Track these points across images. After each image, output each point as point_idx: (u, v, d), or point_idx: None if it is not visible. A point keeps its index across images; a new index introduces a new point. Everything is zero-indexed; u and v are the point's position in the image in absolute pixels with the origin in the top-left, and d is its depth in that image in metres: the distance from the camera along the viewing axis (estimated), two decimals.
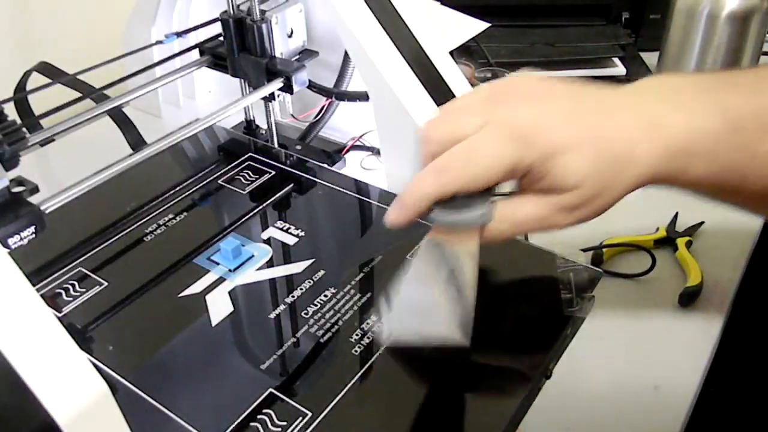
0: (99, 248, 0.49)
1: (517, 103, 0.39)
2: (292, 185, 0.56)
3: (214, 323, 0.43)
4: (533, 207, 0.39)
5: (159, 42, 0.63)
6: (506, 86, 0.41)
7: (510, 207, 0.40)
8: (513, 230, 0.40)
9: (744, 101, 0.38)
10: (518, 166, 0.37)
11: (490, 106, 0.39)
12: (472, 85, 0.58)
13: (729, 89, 0.39)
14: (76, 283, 0.46)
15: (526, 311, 0.45)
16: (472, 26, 0.72)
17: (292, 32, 0.63)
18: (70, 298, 0.45)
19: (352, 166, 0.69)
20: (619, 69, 0.92)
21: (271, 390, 0.39)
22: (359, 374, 0.40)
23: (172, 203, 0.54)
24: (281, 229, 0.51)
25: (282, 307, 0.45)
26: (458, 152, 0.38)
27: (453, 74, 0.56)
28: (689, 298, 0.57)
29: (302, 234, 0.50)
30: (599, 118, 0.39)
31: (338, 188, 0.56)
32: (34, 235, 0.44)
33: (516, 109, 0.39)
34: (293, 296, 0.45)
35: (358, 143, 0.71)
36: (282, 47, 0.62)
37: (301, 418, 0.37)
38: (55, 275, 0.47)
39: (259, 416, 0.37)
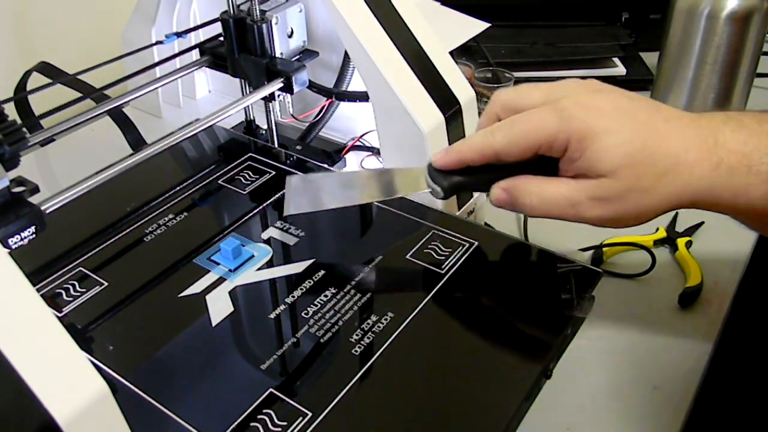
0: (99, 248, 0.49)
1: (579, 89, 0.41)
2: None
3: (214, 323, 0.43)
4: (565, 187, 0.40)
5: (159, 42, 0.63)
6: (581, 80, 0.42)
7: (542, 183, 0.41)
8: (542, 206, 0.41)
9: None
10: (556, 138, 0.39)
11: (555, 88, 0.41)
12: (472, 85, 0.58)
13: None
14: (76, 283, 0.46)
15: (526, 311, 0.45)
16: (472, 26, 0.72)
17: (292, 32, 0.63)
18: (70, 298, 0.45)
19: (352, 166, 0.69)
20: (619, 69, 0.92)
21: (271, 390, 0.39)
22: (359, 374, 0.40)
23: (172, 203, 0.54)
24: (281, 229, 0.51)
25: (282, 307, 0.45)
26: (508, 120, 0.41)
27: (453, 74, 0.56)
28: (689, 298, 0.57)
29: (302, 234, 0.50)
30: (654, 116, 0.39)
31: None
32: (34, 235, 0.44)
33: (575, 93, 0.40)
34: (293, 296, 0.45)
35: (358, 143, 0.71)
36: (282, 47, 0.62)
37: (301, 418, 0.37)
38: (55, 275, 0.47)
39: (259, 416, 0.37)
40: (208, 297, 0.45)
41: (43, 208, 0.45)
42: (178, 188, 0.55)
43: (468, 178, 0.42)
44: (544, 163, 0.40)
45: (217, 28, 0.63)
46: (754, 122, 0.39)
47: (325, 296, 0.45)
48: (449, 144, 0.55)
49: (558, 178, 0.40)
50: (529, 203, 0.41)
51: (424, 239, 0.49)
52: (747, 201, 0.38)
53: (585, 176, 0.39)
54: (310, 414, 0.38)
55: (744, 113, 0.40)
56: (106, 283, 0.47)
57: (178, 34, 0.63)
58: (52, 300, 0.45)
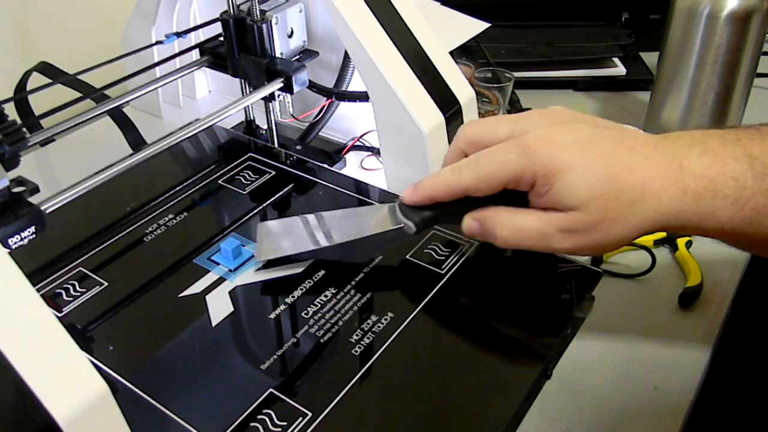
0: (99, 248, 0.49)
1: (543, 122, 0.41)
2: (292, 185, 0.56)
3: (214, 323, 0.43)
4: (535, 220, 0.40)
5: (159, 42, 0.63)
6: (546, 110, 0.43)
7: (513, 215, 0.41)
8: (513, 237, 0.41)
9: None
10: (522, 174, 0.39)
11: (519, 121, 0.41)
12: (472, 85, 0.58)
13: (755, 138, 0.39)
14: (76, 283, 0.46)
15: (526, 311, 0.45)
16: (472, 26, 0.72)
17: (292, 32, 0.63)
18: (70, 298, 0.45)
19: (352, 166, 0.69)
20: (619, 69, 0.92)
21: (271, 390, 0.39)
22: (359, 374, 0.40)
23: (172, 203, 0.54)
24: None
25: (282, 307, 0.45)
26: (474, 157, 0.41)
27: (453, 74, 0.56)
28: (689, 298, 0.57)
29: None
30: (618, 147, 0.39)
31: (338, 188, 0.56)
32: (34, 235, 0.44)
33: (539, 126, 0.40)
34: (293, 296, 0.45)
35: (358, 143, 0.71)
36: (282, 47, 0.62)
37: (301, 418, 0.37)
38: (55, 275, 0.47)
39: (259, 416, 0.37)
40: (208, 297, 0.45)
41: (43, 208, 0.45)
42: (178, 188, 0.55)
43: (439, 213, 0.43)
44: (514, 193, 0.41)
45: (217, 28, 0.63)
46: (718, 144, 0.39)
47: (325, 296, 0.45)
48: (449, 144, 0.55)
49: (528, 209, 0.41)
50: (500, 234, 0.41)
51: (424, 239, 0.49)
52: (715, 224, 0.39)
53: (554, 209, 0.40)
54: (310, 414, 0.38)
55: (709, 134, 0.40)
56: (106, 283, 0.46)
57: (178, 34, 0.63)
58: (52, 300, 0.45)
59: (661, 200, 0.38)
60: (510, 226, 0.41)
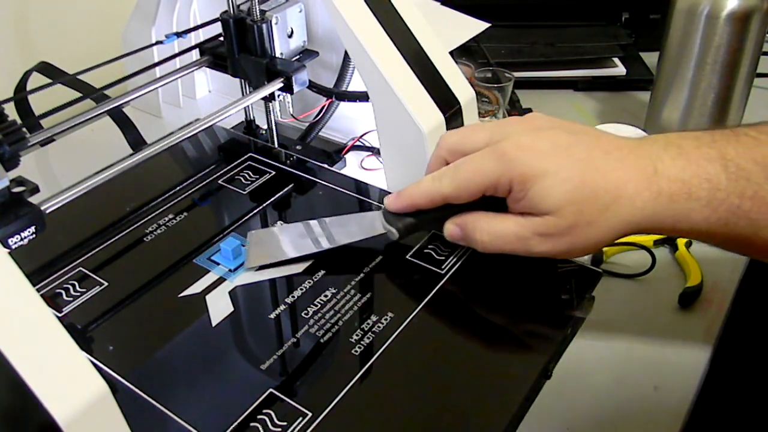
0: (99, 248, 0.49)
1: (520, 128, 0.42)
2: (292, 185, 0.56)
3: (214, 323, 0.43)
4: (513, 224, 0.42)
5: (159, 42, 0.63)
6: (523, 117, 0.44)
7: (492, 220, 0.43)
8: (493, 242, 0.43)
9: (745, 150, 0.38)
10: (499, 181, 0.40)
11: (497, 129, 0.43)
12: (472, 85, 0.58)
13: (730, 140, 0.39)
14: (76, 283, 0.46)
15: (526, 311, 0.45)
16: (472, 26, 0.72)
17: (292, 32, 0.63)
18: (70, 298, 0.45)
19: (352, 166, 0.69)
20: (619, 69, 0.92)
21: (271, 390, 0.39)
22: (359, 374, 0.40)
23: (172, 203, 0.54)
24: None
25: (282, 307, 0.45)
26: (453, 165, 0.43)
27: (453, 74, 0.56)
28: (689, 298, 0.57)
29: None
30: (593, 152, 0.40)
31: (338, 188, 0.56)
32: (34, 235, 0.44)
33: (516, 133, 0.41)
34: (293, 296, 0.45)
35: (358, 143, 0.71)
36: (282, 47, 0.62)
37: (301, 418, 0.37)
38: (55, 275, 0.47)
39: (259, 416, 0.37)
40: (208, 297, 0.45)
41: (43, 208, 0.45)
42: (178, 188, 0.55)
43: (421, 219, 0.45)
44: (494, 199, 0.42)
45: (217, 28, 0.63)
46: (692, 146, 0.39)
47: (325, 296, 0.45)
48: None
49: (507, 214, 0.42)
50: (480, 239, 0.43)
51: (424, 239, 0.49)
52: (689, 225, 0.39)
53: (531, 214, 0.41)
54: (310, 414, 0.38)
55: (685, 136, 0.40)
56: (106, 283, 0.46)
57: (178, 34, 0.63)
58: (52, 300, 0.45)
59: (635, 204, 0.39)
60: (489, 231, 0.42)
